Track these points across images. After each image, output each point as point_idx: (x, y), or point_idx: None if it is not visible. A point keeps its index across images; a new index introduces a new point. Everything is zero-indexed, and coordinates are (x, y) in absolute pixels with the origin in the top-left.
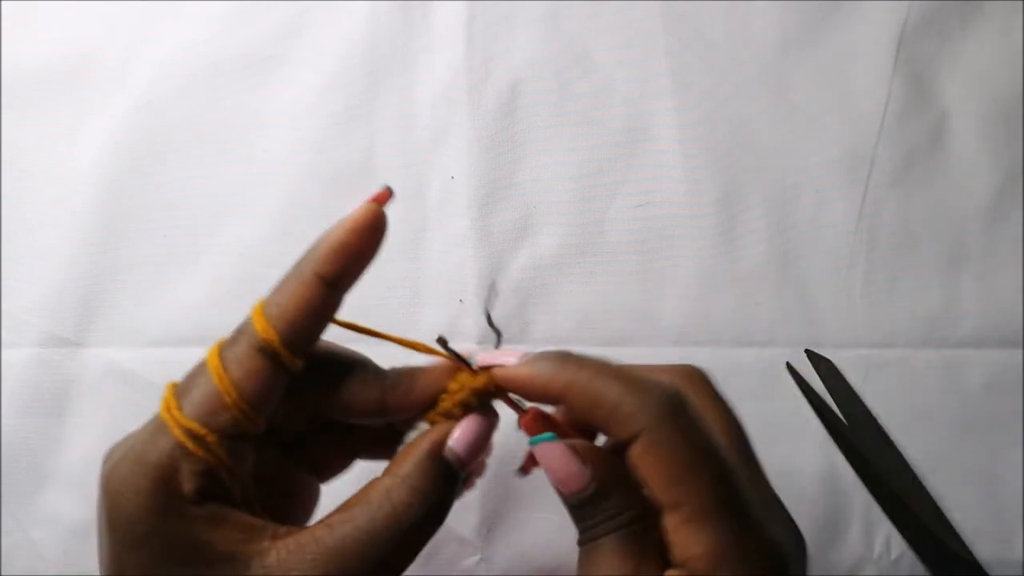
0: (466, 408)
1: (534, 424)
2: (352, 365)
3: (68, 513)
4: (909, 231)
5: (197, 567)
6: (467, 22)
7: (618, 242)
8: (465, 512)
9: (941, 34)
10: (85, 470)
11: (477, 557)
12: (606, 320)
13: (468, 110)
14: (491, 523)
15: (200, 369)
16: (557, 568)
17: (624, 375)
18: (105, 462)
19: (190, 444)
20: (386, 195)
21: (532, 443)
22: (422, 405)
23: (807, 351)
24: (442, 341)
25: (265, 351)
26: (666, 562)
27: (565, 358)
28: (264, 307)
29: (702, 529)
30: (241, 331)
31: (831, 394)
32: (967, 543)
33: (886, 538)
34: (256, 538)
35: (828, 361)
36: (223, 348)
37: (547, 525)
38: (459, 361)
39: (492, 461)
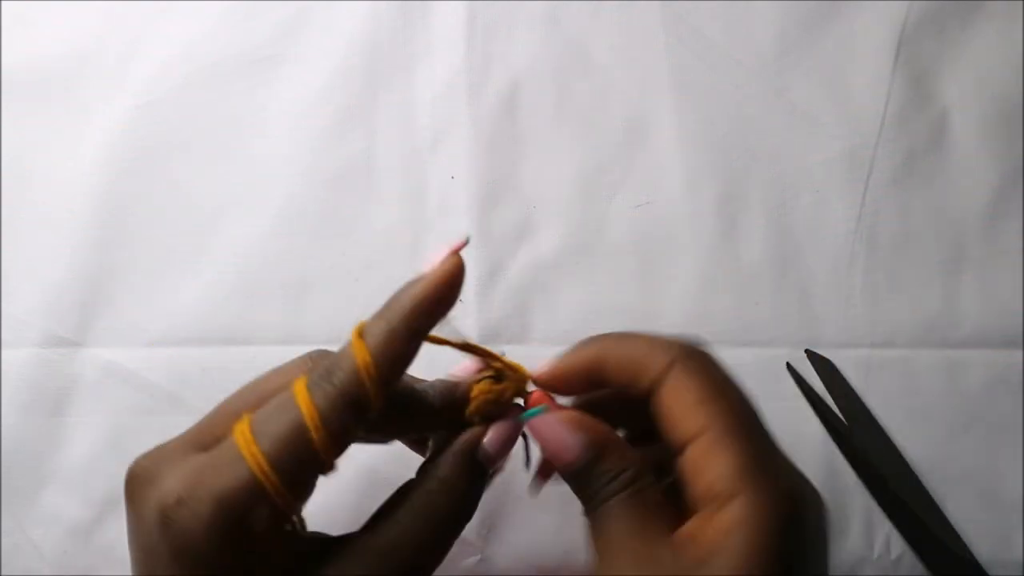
0: (497, 407)
1: (535, 403)
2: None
3: (68, 513)
4: (909, 231)
5: None
6: (467, 22)
7: (618, 242)
8: None
9: (941, 34)
10: (85, 470)
11: (477, 557)
12: (606, 320)
13: (468, 110)
14: (491, 523)
15: (281, 403)
16: (557, 568)
17: (642, 335)
18: (152, 482)
19: (270, 484)
20: (463, 245)
21: (525, 417)
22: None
23: (807, 351)
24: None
25: (354, 395)
26: (676, 515)
27: (587, 339)
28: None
29: (728, 448)
30: (331, 371)
31: (831, 394)
32: (967, 543)
33: (886, 538)
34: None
35: (828, 361)
36: (310, 385)
37: (547, 525)
38: (498, 363)
39: None
